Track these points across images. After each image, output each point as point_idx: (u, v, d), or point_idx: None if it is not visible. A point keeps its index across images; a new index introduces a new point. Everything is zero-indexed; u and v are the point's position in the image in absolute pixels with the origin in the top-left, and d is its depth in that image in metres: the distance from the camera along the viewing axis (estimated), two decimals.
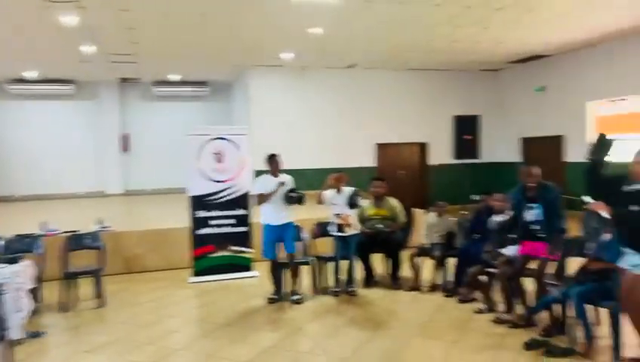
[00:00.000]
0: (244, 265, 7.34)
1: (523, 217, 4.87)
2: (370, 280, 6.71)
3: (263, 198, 6.02)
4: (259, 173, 6.50)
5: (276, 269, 6.13)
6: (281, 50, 12.01)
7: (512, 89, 15.11)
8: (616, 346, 4.10)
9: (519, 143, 14.90)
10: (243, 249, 7.35)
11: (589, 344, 4.24)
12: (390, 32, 10.53)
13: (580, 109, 12.98)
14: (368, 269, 6.75)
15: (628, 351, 4.14)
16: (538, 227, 4.91)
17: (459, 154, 8.52)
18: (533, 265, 5.06)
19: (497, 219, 5.55)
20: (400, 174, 14.36)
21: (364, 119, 14.15)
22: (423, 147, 14.85)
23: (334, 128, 13.93)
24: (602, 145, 3.90)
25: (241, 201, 7.37)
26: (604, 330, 4.47)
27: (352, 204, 6.22)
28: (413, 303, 5.94)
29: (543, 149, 14.15)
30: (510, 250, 5.28)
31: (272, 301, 6.03)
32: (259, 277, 7.09)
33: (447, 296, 6.04)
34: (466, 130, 8.46)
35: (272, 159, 6.16)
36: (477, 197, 5.79)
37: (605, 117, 12.60)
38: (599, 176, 3.89)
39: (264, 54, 12.47)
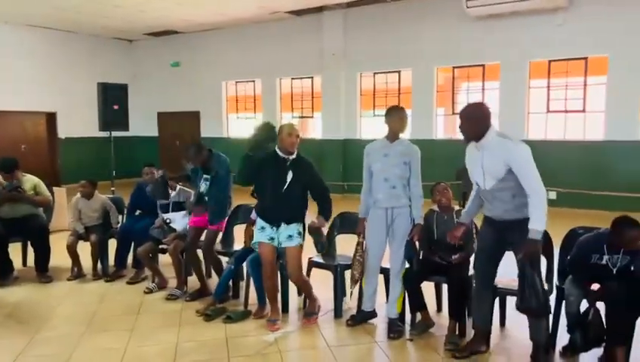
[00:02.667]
0: None
1: (199, 187, 4.78)
2: (6, 275, 5.44)
3: None
4: None
5: None
6: None
7: (148, 62, 14.90)
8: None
9: (157, 117, 14.92)
10: None
11: (262, 305, 4.53)
12: None
13: (216, 87, 13.84)
14: (4, 262, 5.44)
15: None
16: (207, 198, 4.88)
17: (105, 126, 7.74)
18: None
19: (172, 193, 5.28)
20: (24, 148, 12.30)
21: None
22: (51, 117, 13.09)
23: None
24: (266, 130, 4.14)
25: None
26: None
27: None
28: (73, 296, 5.11)
29: (180, 125, 14.54)
30: (179, 224, 5.14)
31: None
32: None
33: (108, 281, 5.46)
34: (114, 100, 7.74)
35: None
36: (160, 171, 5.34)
37: (237, 97, 13.86)
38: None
39: None
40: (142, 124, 13.99)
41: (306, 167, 4.13)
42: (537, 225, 3.23)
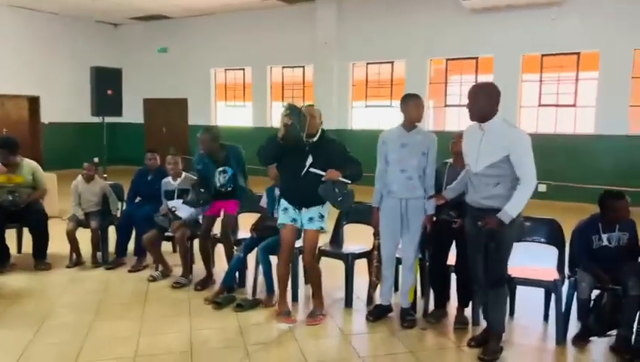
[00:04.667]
0: None
1: (215, 181, 4.73)
2: (3, 262, 5.29)
3: None
4: None
5: None
6: None
7: (134, 46, 14.59)
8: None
9: (143, 104, 14.65)
10: None
11: (271, 293, 4.51)
12: None
13: (204, 74, 13.64)
14: (0, 248, 5.29)
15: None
16: (230, 188, 4.82)
17: (98, 111, 7.57)
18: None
19: (175, 182, 5.19)
20: (5, 133, 11.94)
21: None
22: (34, 101, 12.75)
23: None
24: (294, 113, 3.90)
25: None
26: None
27: None
28: (75, 284, 4.99)
29: (167, 112, 14.31)
30: (184, 212, 5.06)
31: None
32: None
33: (109, 269, 5.36)
34: (108, 85, 7.57)
35: None
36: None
37: (226, 84, 13.69)
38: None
39: None
40: (127, 110, 13.68)
41: (327, 149, 3.93)
42: (511, 209, 3.23)
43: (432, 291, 4.22)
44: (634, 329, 3.46)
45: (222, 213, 4.87)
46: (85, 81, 8.28)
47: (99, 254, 5.52)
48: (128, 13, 13.41)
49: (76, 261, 5.48)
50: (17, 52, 12.35)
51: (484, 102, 3.36)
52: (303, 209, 4.01)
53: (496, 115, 3.37)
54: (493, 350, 3.49)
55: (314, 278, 4.27)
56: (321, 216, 4.02)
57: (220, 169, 4.70)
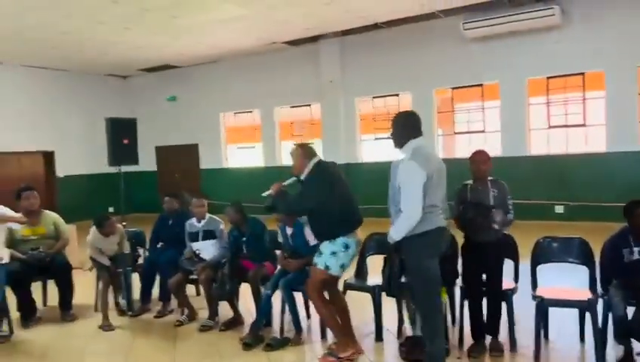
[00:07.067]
0: None
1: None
2: (30, 317, 5.28)
3: None
4: None
5: None
6: None
7: (144, 97, 14.92)
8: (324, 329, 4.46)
9: (155, 152, 14.87)
10: None
11: (299, 331, 4.47)
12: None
13: (214, 119, 13.88)
14: (27, 303, 5.30)
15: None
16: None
17: (114, 161, 7.69)
18: None
19: (199, 224, 5.23)
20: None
21: None
22: (49, 156, 13.01)
23: None
24: None
25: None
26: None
27: None
28: (103, 333, 4.97)
29: (179, 157, 14.50)
30: (208, 253, 5.08)
31: None
32: None
33: (134, 317, 5.34)
34: (123, 134, 7.73)
35: None
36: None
37: (235, 127, 13.92)
38: None
39: None
40: (140, 158, 13.88)
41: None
42: (393, 233, 3.43)
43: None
44: None
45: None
46: (99, 133, 8.43)
47: (122, 302, 5.50)
48: (136, 65, 13.78)
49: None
50: (31, 109, 12.66)
51: (395, 130, 3.53)
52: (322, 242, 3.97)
53: (409, 142, 3.44)
54: None
55: (321, 319, 4.25)
56: (320, 253, 3.90)
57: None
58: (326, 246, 3.88)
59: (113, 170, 8.25)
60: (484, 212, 3.83)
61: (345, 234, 3.86)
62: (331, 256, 3.85)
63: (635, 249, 3.65)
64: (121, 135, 7.81)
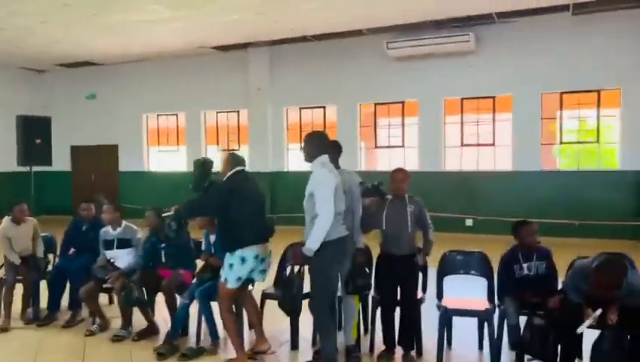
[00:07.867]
0: None
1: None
2: None
3: None
4: None
5: None
6: None
7: (60, 93, 14.19)
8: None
9: (71, 151, 14.17)
10: None
11: (215, 340, 4.48)
12: None
13: (136, 120, 13.45)
14: None
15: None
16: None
17: (25, 160, 7.30)
18: None
19: (114, 231, 5.08)
20: None
21: None
22: None
23: None
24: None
25: None
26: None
27: None
28: (5, 343, 4.70)
29: (97, 158, 13.92)
30: (123, 261, 4.97)
31: None
32: None
33: (41, 326, 5.10)
34: (36, 133, 7.36)
35: None
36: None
37: (159, 130, 13.56)
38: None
39: None
40: (54, 158, 13.16)
41: None
42: (309, 242, 3.63)
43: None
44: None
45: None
46: (10, 130, 7.96)
47: (29, 310, 5.24)
48: (54, 60, 13.10)
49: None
50: None
51: (309, 146, 3.85)
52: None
53: (318, 158, 3.77)
54: None
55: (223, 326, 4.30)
56: (230, 266, 3.95)
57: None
58: (226, 259, 4.00)
59: (23, 169, 7.84)
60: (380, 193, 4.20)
61: (243, 247, 3.92)
62: (229, 269, 3.96)
63: (525, 265, 4.04)
64: (34, 134, 7.46)
